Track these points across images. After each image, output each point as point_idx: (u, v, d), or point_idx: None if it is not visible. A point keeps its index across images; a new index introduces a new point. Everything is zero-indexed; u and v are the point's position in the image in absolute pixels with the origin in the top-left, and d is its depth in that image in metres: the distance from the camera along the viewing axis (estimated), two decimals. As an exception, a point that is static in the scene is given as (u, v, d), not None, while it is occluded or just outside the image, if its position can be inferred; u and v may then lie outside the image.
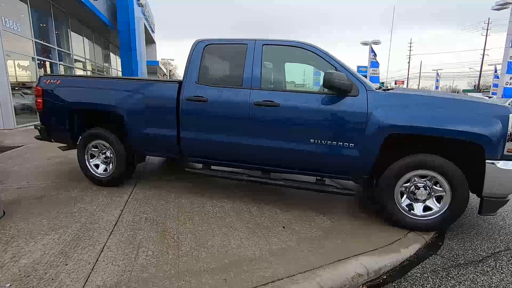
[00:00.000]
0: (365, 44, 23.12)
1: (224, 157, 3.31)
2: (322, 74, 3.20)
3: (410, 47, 52.44)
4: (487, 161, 2.54)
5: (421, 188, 2.76)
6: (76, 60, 14.20)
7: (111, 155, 3.70)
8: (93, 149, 3.78)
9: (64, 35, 13.16)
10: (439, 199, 2.77)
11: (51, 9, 11.45)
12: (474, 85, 46.63)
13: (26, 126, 9.45)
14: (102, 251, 2.27)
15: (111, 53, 20.75)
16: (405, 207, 2.83)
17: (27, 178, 4.07)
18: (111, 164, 3.75)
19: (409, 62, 51.21)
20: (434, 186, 2.75)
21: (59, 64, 12.15)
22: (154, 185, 3.84)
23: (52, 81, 3.76)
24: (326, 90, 2.96)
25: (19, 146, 6.31)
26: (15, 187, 3.72)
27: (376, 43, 22.61)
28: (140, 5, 17.24)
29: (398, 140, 2.77)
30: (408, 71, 50.25)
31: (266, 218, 2.93)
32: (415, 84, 51.19)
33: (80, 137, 3.78)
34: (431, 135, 2.62)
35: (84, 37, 15.41)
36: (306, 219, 2.94)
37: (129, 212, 2.99)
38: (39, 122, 3.97)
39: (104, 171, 3.79)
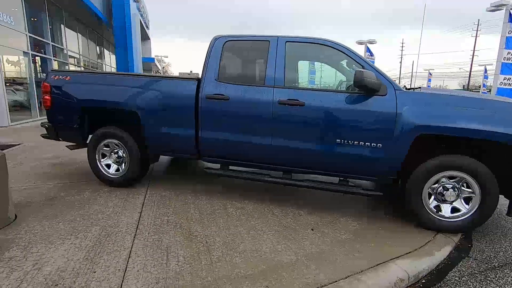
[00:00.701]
0: (360, 43, 23.19)
1: (244, 157, 3.22)
2: (347, 72, 3.15)
3: (402, 47, 53.19)
4: None
5: (450, 189, 2.72)
6: (70, 56, 13.84)
7: (124, 155, 3.56)
8: (104, 148, 3.63)
9: (58, 30, 12.80)
10: (467, 200, 2.74)
11: (45, 2, 11.09)
12: (463, 85, 47.57)
13: (21, 124, 9.14)
14: (129, 257, 2.16)
15: (105, 49, 20.32)
16: (433, 208, 2.79)
17: (31, 178, 3.90)
18: (123, 164, 3.61)
19: (401, 62, 51.95)
20: (463, 187, 2.72)
21: (53, 59, 11.80)
22: (168, 186, 3.72)
23: (61, 77, 3.59)
24: (352, 89, 2.90)
25: (16, 145, 6.08)
26: (21, 187, 3.54)
27: (372, 42, 22.67)
28: (135, 0, 16.90)
29: (425, 141, 2.72)
30: (400, 70, 50.94)
31: (292, 220, 2.86)
32: (407, 83, 51.91)
33: (91, 136, 3.63)
34: (465, 137, 2.58)
35: (78, 33, 15.02)
36: (331, 221, 2.88)
37: (149, 215, 2.87)
38: (46, 120, 3.81)
39: (116, 171, 3.65)
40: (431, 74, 40.59)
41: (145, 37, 22.57)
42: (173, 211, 2.99)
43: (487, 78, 24.66)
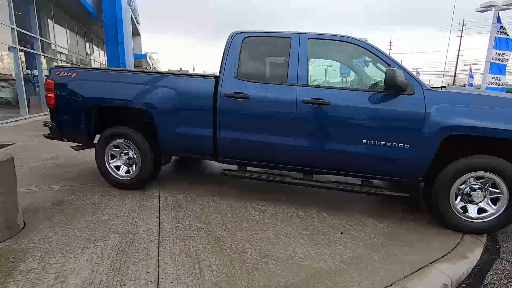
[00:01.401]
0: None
1: (264, 158, 3.11)
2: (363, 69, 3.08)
3: (390, 46, 53.94)
4: None
5: (477, 190, 2.70)
6: (59, 52, 13.32)
7: (135, 156, 3.39)
8: (114, 149, 3.45)
9: (46, 24, 12.27)
10: (494, 201, 2.72)
11: (33, -5, 10.60)
12: (448, 84, 48.77)
13: (8, 123, 8.72)
14: (159, 266, 2.02)
15: (94, 45, 19.70)
16: (459, 209, 2.76)
17: (34, 181, 3.67)
18: (134, 166, 3.44)
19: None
20: (490, 188, 2.70)
21: (42, 55, 11.31)
22: (180, 188, 3.57)
23: (66, 73, 3.37)
24: (378, 88, 2.84)
25: (8, 144, 5.76)
26: (24, 191, 3.32)
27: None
28: (126, -5, 16.40)
29: (453, 141, 2.68)
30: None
31: (317, 223, 2.77)
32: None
33: (99, 136, 3.43)
34: (497, 137, 2.55)
35: (67, 28, 14.48)
36: (358, 223, 2.81)
37: (168, 219, 2.73)
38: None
39: (126, 173, 3.47)
40: (419, 73, 41.41)
41: (135, 33, 22.02)
42: (192, 215, 2.85)
43: (472, 77, 25.29)
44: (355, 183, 3.04)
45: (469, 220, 2.75)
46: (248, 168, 3.26)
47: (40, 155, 4.97)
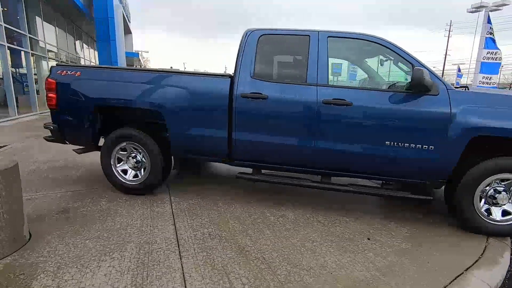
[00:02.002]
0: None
1: (282, 161, 2.99)
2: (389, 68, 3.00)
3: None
4: None
5: (502, 192, 2.65)
6: (48, 50, 12.88)
7: (144, 159, 3.22)
8: (121, 152, 3.27)
9: (35, 21, 11.82)
10: (518, 203, 2.68)
11: (21, -10, 10.18)
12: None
13: (-2, 123, 8.35)
14: (185, 280, 1.88)
15: (84, 43, 19.18)
16: (484, 212, 2.71)
17: (32, 186, 3.46)
18: (142, 170, 3.27)
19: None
20: (515, 190, 2.65)
21: (31, 53, 10.88)
22: (191, 192, 3.41)
23: (69, 72, 3.17)
24: (396, 88, 2.75)
25: (1, 146, 5.47)
26: (25, 197, 3.10)
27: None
28: (118, -9, 15.99)
29: (476, 142, 2.62)
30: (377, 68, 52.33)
31: (341, 228, 2.67)
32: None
33: (106, 139, 3.24)
34: None
35: (56, 25, 14.01)
36: (381, 228, 2.72)
37: (185, 227, 2.58)
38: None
39: (134, 177, 3.29)
40: (409, 73, 41.95)
41: (126, 31, 21.54)
42: (209, 221, 2.71)
43: (460, 77, 25.81)
44: (374, 186, 2.96)
45: (493, 222, 2.69)
46: (262, 171, 3.14)
47: (35, 157, 4.73)
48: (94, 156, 4.04)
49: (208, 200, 3.20)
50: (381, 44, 2.80)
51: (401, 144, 2.69)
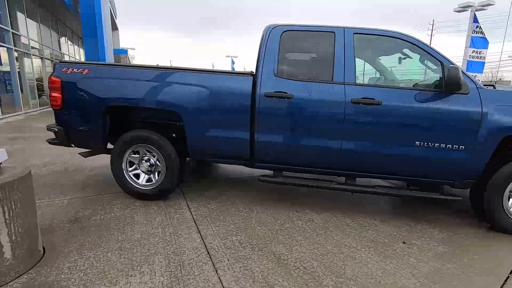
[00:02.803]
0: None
1: (306, 162, 2.88)
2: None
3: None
4: None
5: (531, 192, 2.64)
6: (32, 47, 12.25)
7: (158, 162, 3.03)
8: (133, 155, 3.07)
9: (17, 16, 11.20)
10: (545, 202, 2.68)
11: (3, -17, 9.61)
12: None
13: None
14: (228, 296, 1.74)
15: (69, 40, 18.42)
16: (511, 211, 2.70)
17: (36, 192, 3.20)
18: (156, 174, 3.09)
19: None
20: (541, 189, 2.64)
21: (14, 49, 10.31)
22: (208, 196, 3.25)
23: (76, 70, 2.94)
24: (434, 86, 2.69)
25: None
26: (29, 207, 2.87)
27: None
28: (104, -14, 15.39)
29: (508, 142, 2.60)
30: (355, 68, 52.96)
31: (373, 232, 2.59)
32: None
33: (117, 141, 3.03)
34: None
35: (40, 21, 13.36)
36: (412, 230, 2.65)
37: (212, 235, 2.43)
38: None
39: (147, 182, 3.10)
40: (394, 71, 42.74)
41: (113, 27, 20.85)
42: (235, 228, 2.57)
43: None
44: (401, 187, 2.90)
45: (521, 222, 2.69)
46: (283, 173, 3.02)
47: (31, 161, 4.42)
48: (95, 159, 3.83)
49: (227, 204, 3.05)
50: (408, 41, 2.73)
51: (431, 144, 2.62)
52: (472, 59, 16.07)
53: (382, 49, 3.16)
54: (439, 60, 2.67)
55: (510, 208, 2.69)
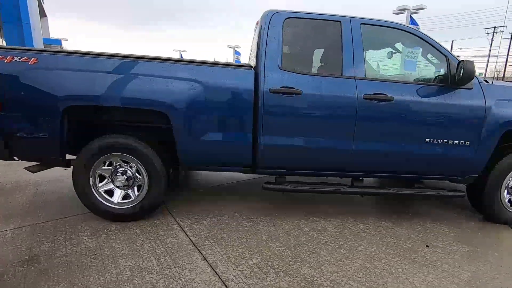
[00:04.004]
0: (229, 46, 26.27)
1: (314, 166, 2.61)
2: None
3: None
4: None
5: (523, 182, 2.76)
6: None
7: (139, 174, 2.47)
8: (104, 168, 2.45)
9: None
10: (533, 191, 2.82)
11: None
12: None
13: None
14: None
15: (-19, 25, 15.35)
16: (507, 203, 2.78)
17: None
18: (136, 188, 2.52)
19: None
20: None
21: None
22: (199, 210, 2.77)
23: (17, 58, 2.20)
24: (437, 81, 2.62)
25: None
26: (-45, 247, 2.08)
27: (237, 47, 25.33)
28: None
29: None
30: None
31: (390, 236, 2.43)
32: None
33: (82, 151, 2.38)
34: None
35: None
36: (426, 231, 2.56)
37: (221, 261, 2.00)
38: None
39: (124, 199, 2.51)
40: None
41: (41, 13, 18.06)
42: (246, 248, 2.18)
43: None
44: (407, 186, 2.81)
45: (515, 211, 2.80)
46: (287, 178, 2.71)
47: None
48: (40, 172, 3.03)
49: (225, 218, 2.63)
50: (415, 35, 2.61)
51: (440, 141, 2.55)
52: (408, 58, 17.61)
53: (388, 41, 3.01)
54: (444, 55, 2.60)
55: (506, 199, 2.78)
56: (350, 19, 2.56)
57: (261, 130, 2.43)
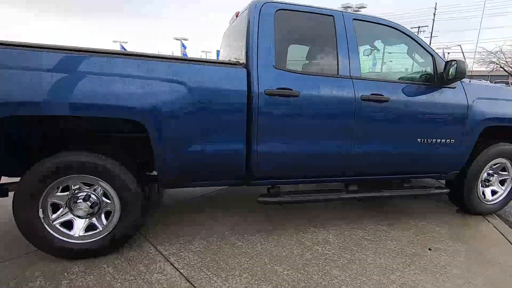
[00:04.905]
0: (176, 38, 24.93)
1: (312, 173, 2.41)
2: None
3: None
4: None
5: (494, 175, 2.94)
6: None
7: (107, 198, 1.99)
8: (58, 194, 1.90)
9: None
10: (502, 182, 3.02)
11: None
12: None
13: None
14: None
15: None
16: (481, 195, 2.94)
17: None
18: (104, 216, 2.03)
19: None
20: (500, 172, 2.97)
21: None
22: (180, 234, 2.35)
23: None
24: (415, 79, 2.60)
25: None
26: None
27: (185, 39, 24.83)
28: None
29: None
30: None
31: (392, 242, 2.35)
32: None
33: (27, 175, 1.80)
34: None
35: None
36: (421, 232, 2.54)
37: (229, 299, 1.68)
38: None
39: (89, 230, 2.00)
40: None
41: None
42: (251, 276, 1.87)
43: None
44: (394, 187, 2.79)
45: (488, 203, 2.97)
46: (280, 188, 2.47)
47: None
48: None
49: (216, 240, 2.28)
50: (404, 33, 2.55)
51: (429, 140, 2.56)
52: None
53: (377, 38, 2.91)
54: (430, 54, 2.60)
55: (480, 192, 2.93)
56: (343, 13, 2.40)
57: (256, 136, 2.13)
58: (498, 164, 2.91)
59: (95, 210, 1.99)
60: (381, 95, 2.34)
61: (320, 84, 2.23)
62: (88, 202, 1.95)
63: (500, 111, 2.70)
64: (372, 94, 2.32)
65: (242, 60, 2.18)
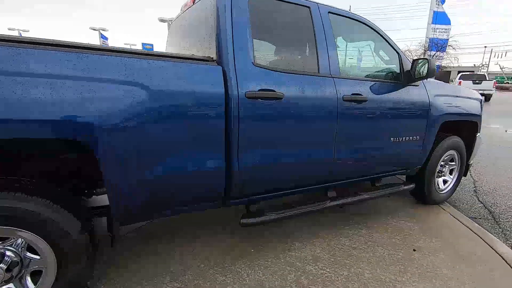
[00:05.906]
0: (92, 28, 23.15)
1: (296, 183, 2.15)
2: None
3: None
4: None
5: (446, 166, 3.15)
6: None
7: (36, 252, 1.38)
8: None
9: None
10: (451, 172, 3.26)
11: None
12: None
13: None
14: None
15: None
16: (437, 186, 3.11)
17: None
18: (29, 279, 1.41)
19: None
20: (450, 162, 3.20)
21: None
22: (142, 273, 1.85)
23: None
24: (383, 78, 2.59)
25: None
26: None
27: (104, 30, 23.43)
28: None
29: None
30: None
31: (379, 248, 2.23)
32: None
33: None
34: (466, 120, 2.99)
35: None
36: (396, 230, 2.54)
37: None
38: None
39: (5, 303, 1.36)
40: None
41: None
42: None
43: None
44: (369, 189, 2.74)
45: (441, 193, 3.18)
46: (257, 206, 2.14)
47: None
48: None
49: (191, 277, 1.84)
50: (374, 30, 2.46)
51: (400, 139, 2.56)
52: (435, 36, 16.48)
53: (347, 34, 2.76)
54: (397, 52, 2.58)
55: (437, 184, 3.12)
56: (318, 5, 2.16)
57: (237, 148, 1.75)
58: (448, 156, 3.12)
59: (14, 272, 1.36)
60: (360, 94, 2.21)
61: (305, 83, 1.97)
62: (2, 264, 1.31)
63: (455, 107, 2.87)
64: (353, 94, 2.17)
65: (212, 56, 1.77)
